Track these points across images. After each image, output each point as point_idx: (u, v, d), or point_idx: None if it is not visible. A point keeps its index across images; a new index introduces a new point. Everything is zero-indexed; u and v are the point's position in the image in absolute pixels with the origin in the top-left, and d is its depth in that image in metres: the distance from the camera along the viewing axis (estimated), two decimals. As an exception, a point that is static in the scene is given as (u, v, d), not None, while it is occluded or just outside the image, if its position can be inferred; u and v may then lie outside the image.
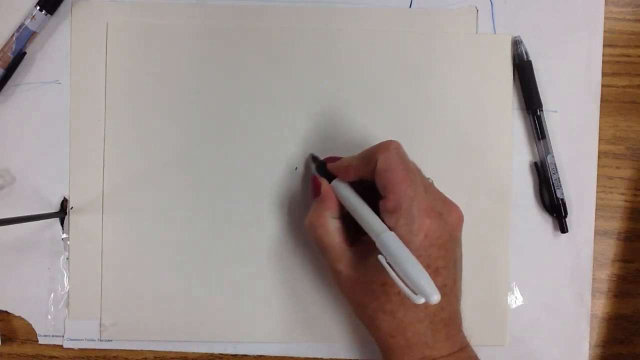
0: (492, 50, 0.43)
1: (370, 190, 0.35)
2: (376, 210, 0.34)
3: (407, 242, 0.31)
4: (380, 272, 0.33)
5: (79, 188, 0.42)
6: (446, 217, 0.34)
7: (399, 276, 0.30)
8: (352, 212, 0.35)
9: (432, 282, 0.29)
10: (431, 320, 0.34)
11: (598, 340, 0.44)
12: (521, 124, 0.43)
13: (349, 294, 0.36)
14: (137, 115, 0.42)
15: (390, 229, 0.32)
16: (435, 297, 0.28)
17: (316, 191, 0.38)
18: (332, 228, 0.36)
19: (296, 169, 0.42)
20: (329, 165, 0.38)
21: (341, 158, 0.39)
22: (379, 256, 0.31)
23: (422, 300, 0.29)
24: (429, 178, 0.37)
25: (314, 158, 0.41)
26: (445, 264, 0.33)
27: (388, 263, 0.31)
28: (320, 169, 0.39)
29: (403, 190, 0.33)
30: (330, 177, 0.38)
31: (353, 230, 0.37)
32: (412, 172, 0.34)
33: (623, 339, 0.44)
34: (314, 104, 0.42)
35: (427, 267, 0.32)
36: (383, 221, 0.33)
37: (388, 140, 0.35)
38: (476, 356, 0.36)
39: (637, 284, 0.44)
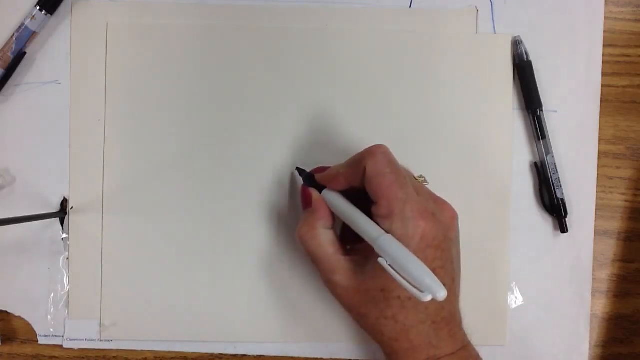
0: (492, 50, 0.43)
1: (362, 197, 0.35)
2: (369, 216, 0.34)
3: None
4: (378, 278, 0.33)
5: (79, 188, 0.42)
6: (440, 217, 0.34)
7: (402, 277, 0.30)
8: (347, 220, 0.35)
9: (436, 278, 0.29)
10: (433, 320, 0.34)
11: (598, 340, 0.44)
12: (521, 124, 0.43)
13: (348, 304, 0.36)
14: (137, 115, 0.42)
15: None
16: (443, 293, 0.28)
17: (306, 202, 0.38)
18: (324, 239, 0.36)
19: (296, 168, 0.42)
20: (318, 176, 0.38)
21: (329, 167, 0.38)
22: (380, 259, 0.31)
23: (429, 298, 0.28)
24: (421, 176, 0.37)
25: (300, 171, 0.40)
26: (442, 264, 0.33)
27: (390, 265, 0.31)
28: (308, 181, 0.39)
29: (394, 194, 0.33)
30: (320, 188, 0.37)
31: (344, 240, 0.37)
32: (402, 175, 0.34)
33: (623, 339, 0.44)
34: (314, 104, 0.42)
35: None
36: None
37: (375, 145, 0.35)
38: (478, 354, 0.36)
39: (637, 284, 0.44)
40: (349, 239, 0.37)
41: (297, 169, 0.41)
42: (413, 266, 0.29)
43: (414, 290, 0.29)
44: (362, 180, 0.34)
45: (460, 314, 0.36)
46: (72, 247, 0.42)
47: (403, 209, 0.32)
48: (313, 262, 0.36)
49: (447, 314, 0.34)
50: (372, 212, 0.34)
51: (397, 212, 0.32)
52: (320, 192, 0.37)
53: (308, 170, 0.40)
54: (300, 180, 0.40)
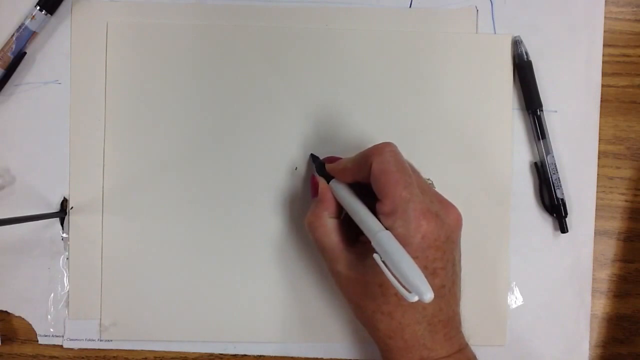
0: (492, 50, 0.43)
1: (369, 192, 0.35)
2: (374, 211, 0.34)
3: (404, 244, 0.31)
4: (377, 272, 0.33)
5: (79, 188, 0.42)
6: (443, 219, 0.34)
7: (394, 275, 0.30)
8: (350, 212, 0.35)
9: (426, 280, 0.29)
10: (429, 321, 0.34)
11: (598, 340, 0.44)
12: (521, 124, 0.43)
13: (347, 294, 0.36)
14: (137, 115, 0.42)
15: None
16: (429, 295, 0.28)
17: (315, 190, 0.38)
18: (330, 228, 0.36)
19: (296, 169, 0.42)
20: (327, 166, 0.38)
21: (340, 159, 0.38)
22: (374, 255, 0.31)
23: (415, 299, 0.28)
24: (428, 179, 0.37)
25: (313, 158, 0.41)
26: (443, 265, 0.33)
27: (383, 262, 0.31)
28: (319, 169, 0.39)
29: (398, 193, 0.33)
30: (329, 177, 0.38)
31: (352, 230, 0.37)
32: (407, 174, 0.34)
33: (623, 339, 0.44)
34: (313, 104, 0.42)
35: (424, 268, 0.32)
36: (380, 223, 0.33)
37: (383, 143, 0.35)
38: (474, 356, 0.36)
39: (637, 284, 0.44)
40: (356, 230, 0.37)
41: (312, 155, 0.41)
42: (405, 265, 0.30)
43: (402, 290, 0.29)
44: (368, 176, 0.34)
45: (460, 317, 0.36)
46: (72, 247, 0.42)
47: (406, 208, 0.32)
48: (318, 250, 0.37)
49: (445, 317, 0.34)
50: (376, 209, 0.34)
51: (400, 211, 0.33)
52: (329, 182, 0.37)
53: (321, 158, 0.41)
54: (310, 173, 0.41)
